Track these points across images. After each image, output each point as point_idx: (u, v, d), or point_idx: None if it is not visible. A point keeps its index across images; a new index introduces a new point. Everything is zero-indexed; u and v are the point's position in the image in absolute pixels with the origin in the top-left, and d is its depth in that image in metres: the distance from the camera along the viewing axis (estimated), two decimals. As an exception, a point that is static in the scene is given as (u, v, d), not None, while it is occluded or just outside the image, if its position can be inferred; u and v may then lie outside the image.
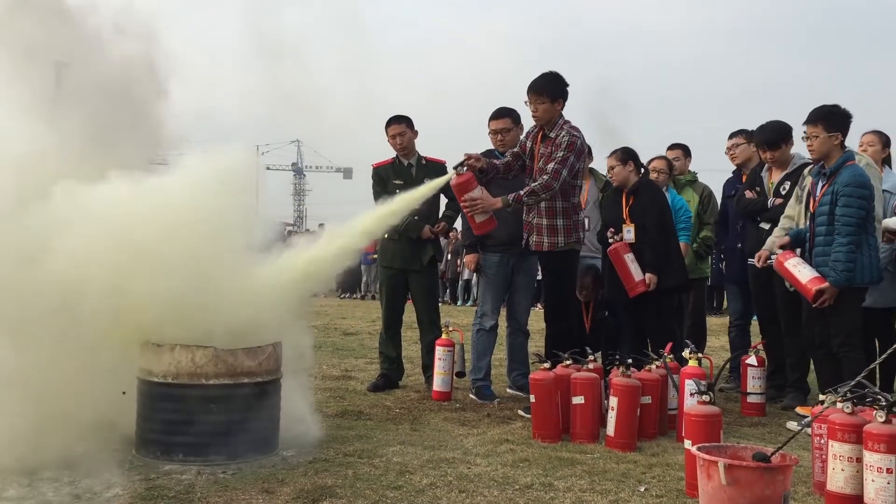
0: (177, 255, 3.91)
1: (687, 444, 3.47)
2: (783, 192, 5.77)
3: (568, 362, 4.77)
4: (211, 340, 3.89)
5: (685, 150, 7.43)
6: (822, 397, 3.66)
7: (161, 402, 3.88)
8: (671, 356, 4.89)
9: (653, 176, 6.43)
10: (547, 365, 4.71)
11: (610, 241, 5.77)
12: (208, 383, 3.82)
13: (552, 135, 5.10)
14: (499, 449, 4.27)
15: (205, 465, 3.75)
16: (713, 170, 7.10)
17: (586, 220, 6.02)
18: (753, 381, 5.56)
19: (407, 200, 5.00)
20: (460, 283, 18.84)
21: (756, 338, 6.53)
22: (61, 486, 3.43)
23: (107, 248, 3.85)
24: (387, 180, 6.23)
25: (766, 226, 5.87)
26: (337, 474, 3.68)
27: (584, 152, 5.21)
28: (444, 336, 5.97)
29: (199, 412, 3.82)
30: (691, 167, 7.53)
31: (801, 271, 4.83)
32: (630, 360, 4.57)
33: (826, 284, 4.69)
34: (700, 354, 4.84)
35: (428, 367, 6.12)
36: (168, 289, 3.83)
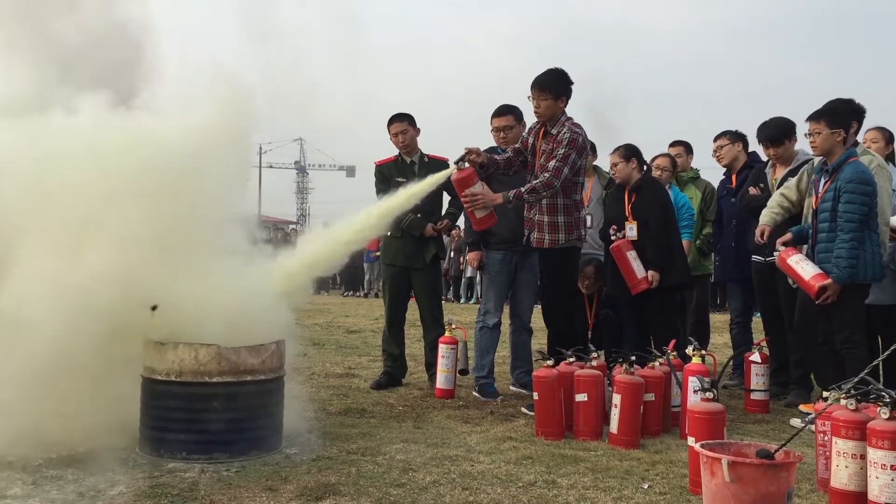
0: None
1: (690, 441, 3.47)
2: (786, 189, 5.75)
3: (571, 360, 4.77)
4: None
5: (687, 148, 7.42)
6: (825, 394, 3.66)
7: (164, 400, 3.88)
8: (674, 353, 4.89)
9: (656, 173, 6.43)
10: (550, 362, 4.71)
11: (612, 238, 5.77)
12: (212, 381, 3.82)
13: (554, 131, 5.09)
14: (502, 446, 4.27)
15: (208, 462, 3.76)
16: (716, 167, 7.08)
17: (589, 218, 6.02)
18: (757, 378, 5.55)
19: (406, 196, 5.00)
20: (463, 280, 18.84)
21: (758, 334, 6.53)
22: (65, 485, 3.43)
23: None
24: (390, 178, 6.23)
25: (769, 222, 5.86)
26: (340, 472, 3.68)
27: (586, 149, 5.20)
28: (447, 334, 5.97)
29: (203, 410, 3.83)
30: (694, 164, 7.53)
31: (804, 268, 4.82)
32: (633, 358, 4.57)
33: (829, 281, 4.69)
34: (703, 351, 4.84)
35: (431, 365, 6.12)
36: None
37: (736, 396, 5.95)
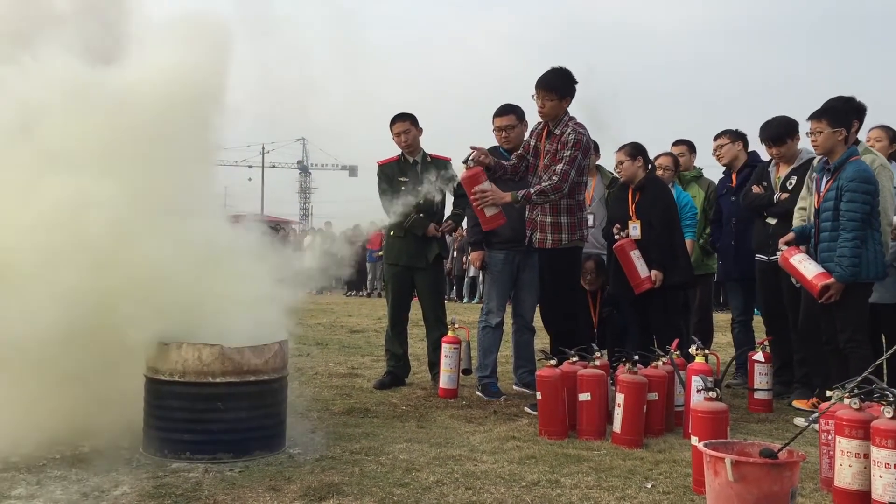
0: None
1: (694, 440, 3.47)
2: (790, 187, 5.75)
3: (574, 359, 4.77)
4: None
5: (690, 146, 7.41)
6: (829, 393, 3.65)
7: (168, 400, 3.89)
8: (677, 352, 4.89)
9: (658, 172, 6.43)
10: (553, 362, 4.71)
11: (616, 237, 5.77)
12: (215, 381, 3.83)
13: (557, 132, 5.08)
14: (505, 446, 4.27)
15: (212, 462, 3.76)
16: (715, 166, 7.09)
17: (591, 217, 6.02)
18: (760, 378, 5.55)
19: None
20: (466, 280, 18.83)
21: (759, 333, 6.52)
22: (69, 485, 3.44)
23: None
24: (392, 177, 6.24)
25: (772, 221, 5.86)
26: (344, 472, 3.68)
27: (590, 149, 5.20)
28: (450, 333, 5.97)
29: (206, 410, 3.84)
30: (697, 163, 7.52)
31: (807, 267, 4.82)
32: (636, 357, 4.57)
33: (832, 280, 4.68)
34: (707, 351, 4.83)
35: (434, 365, 6.12)
36: None
37: (739, 396, 5.95)
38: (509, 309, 6.13)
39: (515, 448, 4.22)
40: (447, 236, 6.65)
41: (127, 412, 4.05)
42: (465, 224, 6.61)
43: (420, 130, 6.28)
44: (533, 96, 5.12)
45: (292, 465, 3.79)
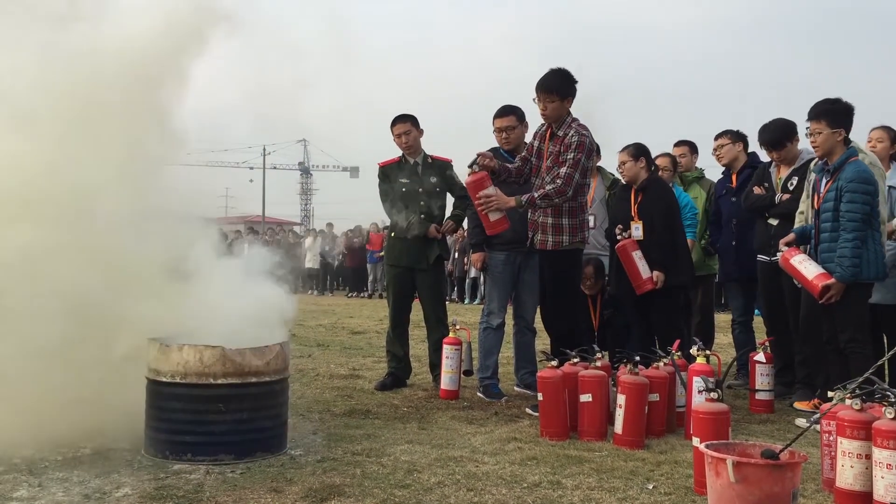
0: None
1: (695, 441, 3.47)
2: (791, 188, 5.75)
3: (575, 360, 4.77)
4: None
5: (692, 147, 7.41)
6: (830, 394, 3.65)
7: (169, 402, 3.89)
8: (678, 353, 4.89)
9: (657, 173, 6.43)
10: (554, 363, 4.71)
11: (618, 238, 5.77)
12: (216, 383, 3.83)
13: (560, 133, 5.08)
14: (507, 447, 4.27)
15: (213, 464, 3.76)
16: (714, 166, 7.10)
17: (591, 218, 6.01)
18: (762, 378, 5.54)
19: None
20: (468, 281, 18.84)
21: (759, 334, 6.52)
22: (71, 486, 3.44)
23: None
24: (393, 179, 6.24)
25: (773, 222, 5.86)
26: (345, 473, 3.68)
27: (593, 151, 5.19)
28: (451, 335, 5.97)
29: (208, 411, 3.84)
30: (699, 164, 7.52)
31: (808, 268, 4.82)
32: (637, 358, 4.56)
33: (832, 280, 4.68)
34: (708, 351, 4.83)
35: (435, 366, 6.12)
36: None
37: (741, 396, 5.94)
38: (510, 310, 6.13)
39: (517, 449, 4.22)
40: (448, 237, 6.65)
41: (128, 414, 4.06)
42: (465, 225, 6.62)
43: (421, 132, 6.29)
44: (534, 99, 5.12)
45: (294, 467, 3.79)
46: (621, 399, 4.37)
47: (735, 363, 6.07)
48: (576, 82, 5.14)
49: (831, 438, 3.50)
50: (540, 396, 4.61)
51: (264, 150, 49.33)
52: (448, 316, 6.32)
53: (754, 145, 6.45)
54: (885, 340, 5.36)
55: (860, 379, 3.37)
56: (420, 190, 6.18)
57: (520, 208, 5.00)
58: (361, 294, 21.10)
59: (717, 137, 6.79)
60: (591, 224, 6.18)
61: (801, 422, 4.92)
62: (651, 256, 5.65)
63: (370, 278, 21.12)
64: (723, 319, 8.84)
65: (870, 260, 4.70)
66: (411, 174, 6.22)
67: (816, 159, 5.13)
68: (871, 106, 5.52)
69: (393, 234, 6.30)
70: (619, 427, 4.37)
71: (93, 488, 3.42)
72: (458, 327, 6.05)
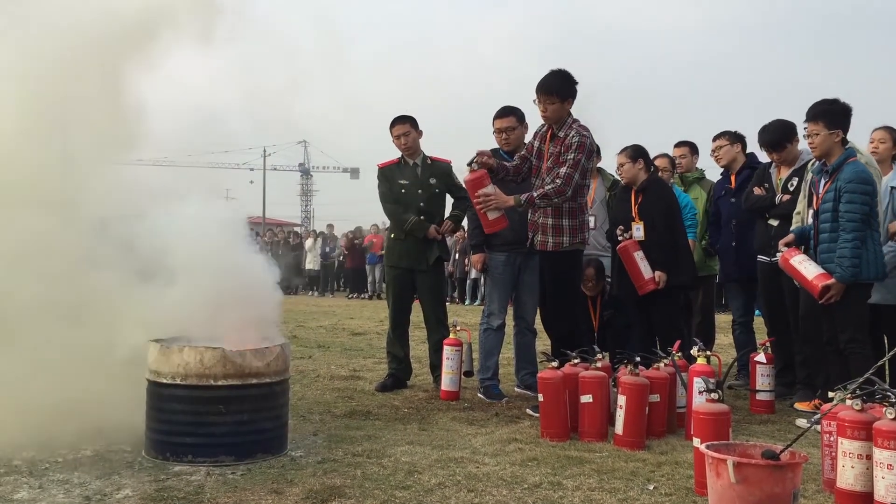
0: None
1: (696, 442, 3.47)
2: (791, 189, 5.75)
3: (576, 361, 4.77)
4: None
5: (692, 148, 7.42)
6: (831, 394, 3.65)
7: (170, 404, 3.89)
8: (679, 354, 4.88)
9: (655, 174, 6.43)
10: (555, 364, 4.70)
11: (619, 238, 5.77)
12: (217, 384, 3.83)
13: (561, 134, 5.08)
14: (507, 448, 4.27)
15: (214, 465, 3.76)
16: (713, 167, 7.10)
17: (592, 219, 6.01)
18: (763, 379, 5.54)
19: None
20: (468, 282, 18.84)
21: (759, 334, 6.52)
22: (71, 488, 3.44)
23: None
24: (392, 180, 6.24)
25: (774, 222, 5.86)
26: (346, 474, 3.68)
27: (593, 152, 5.19)
28: (451, 335, 5.97)
29: (208, 413, 3.84)
30: (699, 165, 7.53)
31: (807, 268, 4.82)
32: (638, 359, 4.56)
33: (832, 281, 4.68)
34: (709, 352, 4.83)
35: (436, 367, 6.12)
36: None
37: (741, 397, 5.94)
38: (511, 311, 6.13)
39: (517, 450, 4.22)
40: (447, 238, 6.65)
41: (129, 415, 4.06)
42: (465, 225, 6.62)
43: (420, 133, 6.29)
44: (534, 101, 5.12)
45: (294, 468, 3.79)
46: (622, 400, 4.37)
47: (735, 364, 6.07)
48: (576, 83, 5.14)
49: (832, 439, 3.50)
50: (540, 397, 4.61)
51: (265, 151, 49.35)
52: (448, 317, 6.32)
53: (753, 146, 6.46)
54: (886, 341, 5.36)
55: (861, 379, 3.37)
56: (419, 191, 6.19)
57: (519, 208, 5.00)
58: (362, 295, 21.11)
59: (715, 139, 6.80)
60: (592, 225, 6.18)
61: (802, 422, 4.92)
62: (652, 257, 5.66)
63: (370, 279, 21.13)
64: (723, 320, 8.84)
65: (869, 260, 4.71)
66: (411, 175, 6.22)
67: (814, 160, 5.14)
68: (871, 106, 5.52)
69: (392, 236, 6.30)
70: (619, 428, 4.37)
71: (93, 490, 3.42)
72: (458, 328, 6.05)
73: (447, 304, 6.80)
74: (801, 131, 5.55)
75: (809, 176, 5.20)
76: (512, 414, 5.24)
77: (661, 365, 4.77)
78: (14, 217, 4.10)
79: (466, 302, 18.54)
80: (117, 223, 4.25)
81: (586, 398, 4.50)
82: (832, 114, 4.83)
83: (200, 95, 4.94)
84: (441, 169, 6.26)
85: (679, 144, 7.43)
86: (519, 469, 3.84)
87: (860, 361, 4.47)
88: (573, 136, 5.00)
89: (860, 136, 5.38)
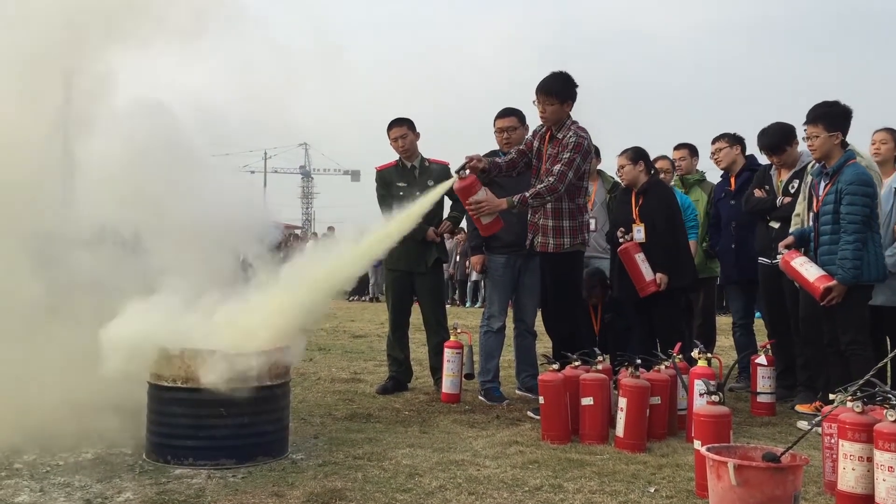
0: None
1: (696, 444, 3.47)
2: (791, 191, 5.76)
3: (577, 363, 4.76)
4: None
5: (692, 150, 7.41)
6: (832, 396, 3.65)
7: (171, 407, 3.89)
8: (680, 356, 4.88)
9: (655, 176, 6.42)
10: (556, 366, 4.70)
11: (620, 240, 5.77)
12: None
13: (560, 135, 5.08)
14: (508, 451, 4.26)
15: (215, 468, 3.76)
16: (712, 169, 7.10)
17: (592, 221, 6.01)
18: (763, 381, 5.54)
19: (412, 214, 4.98)
20: (469, 284, 18.84)
21: (759, 336, 6.52)
22: (73, 491, 3.44)
23: None
24: (391, 183, 6.24)
25: (775, 224, 5.86)
26: (346, 477, 3.68)
27: (591, 153, 5.19)
28: (452, 338, 5.97)
29: (209, 416, 3.84)
30: (700, 167, 7.53)
31: (809, 270, 4.82)
32: (639, 361, 4.56)
33: (834, 282, 4.69)
34: (709, 354, 4.83)
35: (436, 369, 6.12)
36: None
37: (742, 399, 5.94)
38: (511, 313, 6.13)
39: (518, 453, 4.22)
40: (447, 240, 6.64)
41: (130, 418, 4.06)
42: (465, 226, 6.61)
43: (417, 135, 6.29)
44: (534, 102, 5.12)
45: (295, 471, 3.79)
46: (622, 402, 4.37)
47: (736, 366, 6.07)
48: (576, 86, 5.14)
49: (833, 441, 3.50)
50: (541, 400, 4.61)
51: (265, 154, 49.39)
52: (449, 319, 6.32)
53: (752, 148, 6.46)
54: (889, 343, 5.37)
55: (861, 381, 3.37)
56: (418, 193, 6.16)
57: (512, 209, 4.99)
58: (363, 298, 21.09)
59: (714, 141, 6.79)
60: (593, 227, 6.18)
61: (803, 424, 4.92)
62: (653, 259, 5.65)
63: (371, 282, 21.11)
64: (724, 322, 8.83)
65: (870, 262, 4.71)
66: (409, 178, 6.22)
67: (813, 162, 5.14)
68: (871, 107, 5.53)
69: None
70: (620, 430, 4.37)
71: (94, 493, 3.42)
72: (459, 331, 6.05)
73: (447, 306, 6.79)
74: (800, 133, 5.56)
75: (809, 178, 5.20)
76: (513, 416, 5.24)
77: (662, 367, 4.77)
78: (15, 217, 4.12)
79: (467, 304, 18.53)
80: (117, 223, 4.26)
81: (587, 400, 4.50)
82: (832, 116, 4.83)
83: (200, 96, 4.93)
84: (439, 170, 6.25)
85: (678, 147, 7.43)
86: (520, 472, 3.83)
87: (861, 363, 4.47)
88: (570, 137, 5.00)
89: (860, 137, 5.39)
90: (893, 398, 3.21)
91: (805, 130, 4.93)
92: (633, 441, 4.32)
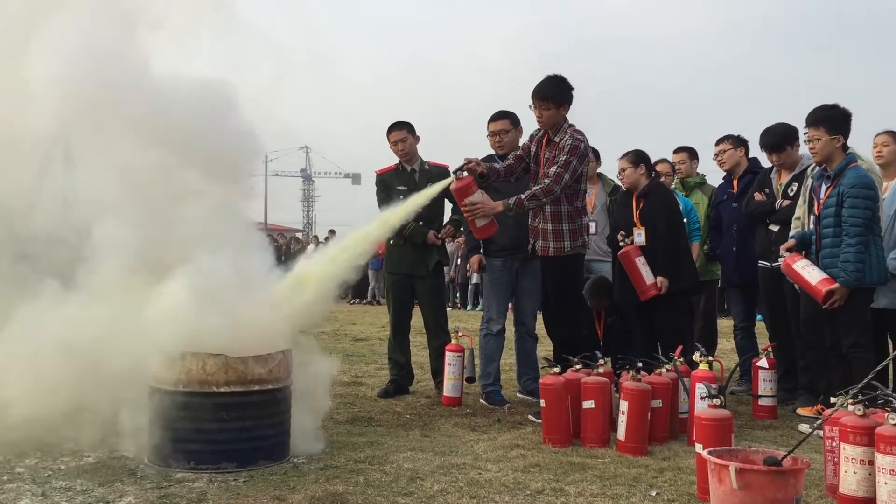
0: None
1: (698, 447, 3.46)
2: (791, 194, 5.76)
3: (578, 367, 4.76)
4: None
5: (691, 153, 7.42)
6: (833, 399, 3.65)
7: (172, 410, 3.89)
8: (681, 359, 4.88)
9: (655, 179, 6.42)
10: (557, 369, 4.70)
11: (620, 244, 5.77)
12: (219, 391, 3.83)
13: (557, 139, 5.08)
14: (509, 454, 4.26)
15: (216, 472, 3.76)
16: (714, 171, 7.11)
17: (593, 225, 6.01)
18: (765, 384, 5.54)
19: (407, 209, 5.00)
20: (470, 287, 18.83)
21: (761, 339, 6.52)
22: (74, 495, 3.44)
23: None
24: (391, 186, 6.25)
25: (774, 227, 5.86)
26: (348, 481, 3.68)
27: (588, 156, 5.19)
28: (453, 341, 5.97)
29: (210, 420, 3.84)
30: (700, 169, 7.53)
31: (811, 273, 4.83)
32: (640, 364, 4.56)
33: (836, 285, 4.69)
34: (710, 357, 4.83)
35: (437, 373, 6.12)
36: None
37: (744, 402, 5.94)
38: (511, 316, 6.13)
39: (520, 456, 4.22)
40: (447, 244, 6.65)
41: (131, 422, 4.06)
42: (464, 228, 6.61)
43: (417, 139, 6.30)
44: (530, 107, 5.13)
45: (297, 475, 3.79)
46: (624, 405, 4.37)
47: (738, 369, 6.07)
48: (572, 89, 5.15)
49: (834, 444, 3.49)
50: (542, 403, 4.61)
51: (266, 157, 49.41)
52: (450, 322, 6.32)
53: (755, 150, 6.46)
54: (890, 346, 5.37)
55: (862, 384, 3.37)
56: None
57: (508, 212, 4.99)
58: (364, 301, 21.09)
59: (718, 143, 6.79)
60: (593, 230, 6.19)
61: (805, 428, 4.92)
62: (654, 262, 5.65)
63: (371, 285, 21.11)
64: (725, 325, 8.83)
65: (872, 265, 4.72)
66: (409, 181, 6.22)
67: (814, 165, 5.14)
68: (872, 109, 5.53)
69: (392, 242, 6.30)
70: (621, 434, 4.37)
71: (96, 497, 3.42)
72: (460, 334, 6.05)
73: (448, 309, 6.79)
74: (801, 136, 5.57)
75: (809, 181, 5.21)
76: (514, 420, 5.24)
77: (664, 370, 4.77)
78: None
79: (468, 307, 18.53)
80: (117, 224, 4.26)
81: (588, 404, 4.50)
82: (833, 119, 4.84)
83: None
84: (439, 174, 6.25)
85: (678, 150, 7.44)
86: (521, 475, 3.83)
87: (863, 367, 4.46)
88: (566, 140, 5.01)
89: (860, 138, 5.39)
90: (895, 401, 3.21)
91: (806, 133, 4.94)
92: (634, 444, 4.32)
